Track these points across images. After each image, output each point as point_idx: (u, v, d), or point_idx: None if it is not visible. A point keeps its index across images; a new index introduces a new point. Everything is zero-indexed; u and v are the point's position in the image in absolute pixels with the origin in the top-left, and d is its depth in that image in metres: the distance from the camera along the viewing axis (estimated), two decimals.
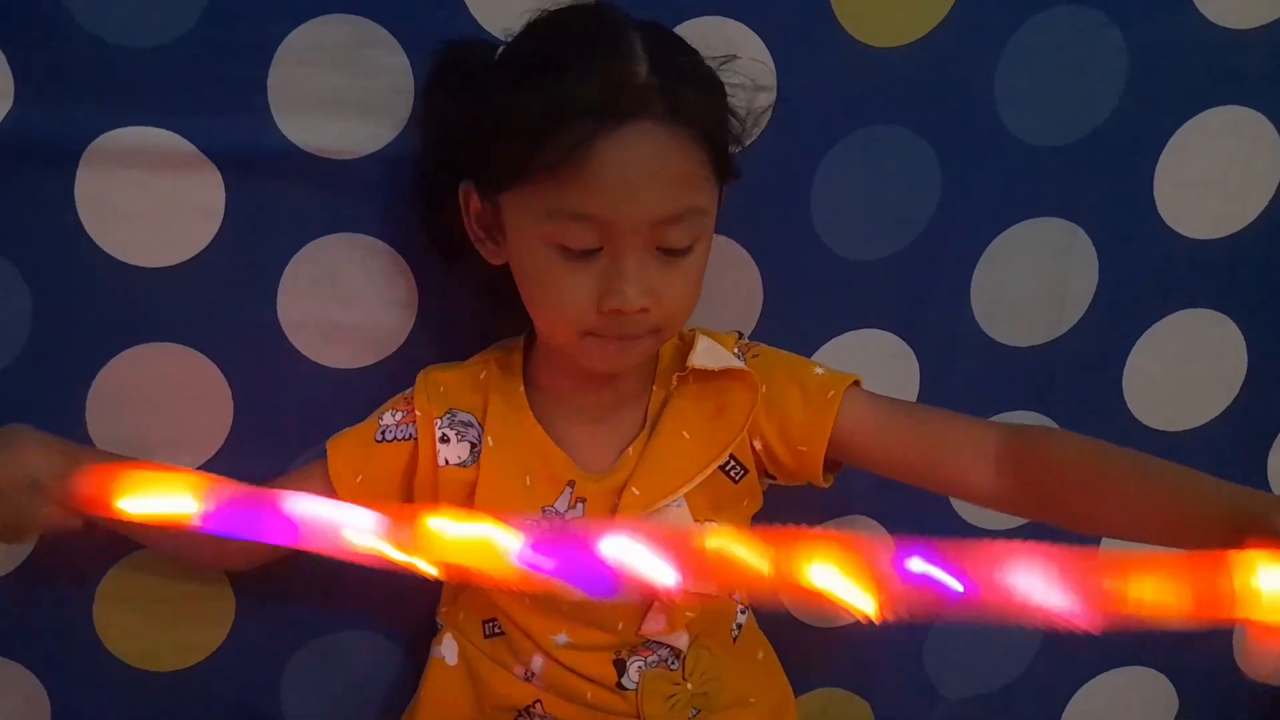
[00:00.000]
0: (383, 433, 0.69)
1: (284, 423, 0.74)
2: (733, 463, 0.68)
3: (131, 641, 0.76)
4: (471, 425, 0.68)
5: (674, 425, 0.67)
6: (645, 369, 0.69)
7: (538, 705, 0.69)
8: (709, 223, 0.63)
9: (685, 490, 0.66)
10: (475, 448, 0.67)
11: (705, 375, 0.67)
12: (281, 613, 0.77)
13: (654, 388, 0.69)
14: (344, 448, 0.69)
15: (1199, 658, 0.90)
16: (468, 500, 0.67)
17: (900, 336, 0.80)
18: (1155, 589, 0.41)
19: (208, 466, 0.73)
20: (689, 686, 0.69)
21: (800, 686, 0.79)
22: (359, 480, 0.68)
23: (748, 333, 0.78)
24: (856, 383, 0.68)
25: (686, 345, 0.70)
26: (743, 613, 0.74)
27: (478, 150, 0.62)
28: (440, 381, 0.70)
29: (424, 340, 0.74)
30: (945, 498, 0.81)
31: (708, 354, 0.68)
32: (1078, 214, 0.79)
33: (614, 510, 0.65)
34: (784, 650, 0.77)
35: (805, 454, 0.67)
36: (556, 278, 0.61)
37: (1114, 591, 0.41)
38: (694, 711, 0.70)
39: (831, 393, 0.67)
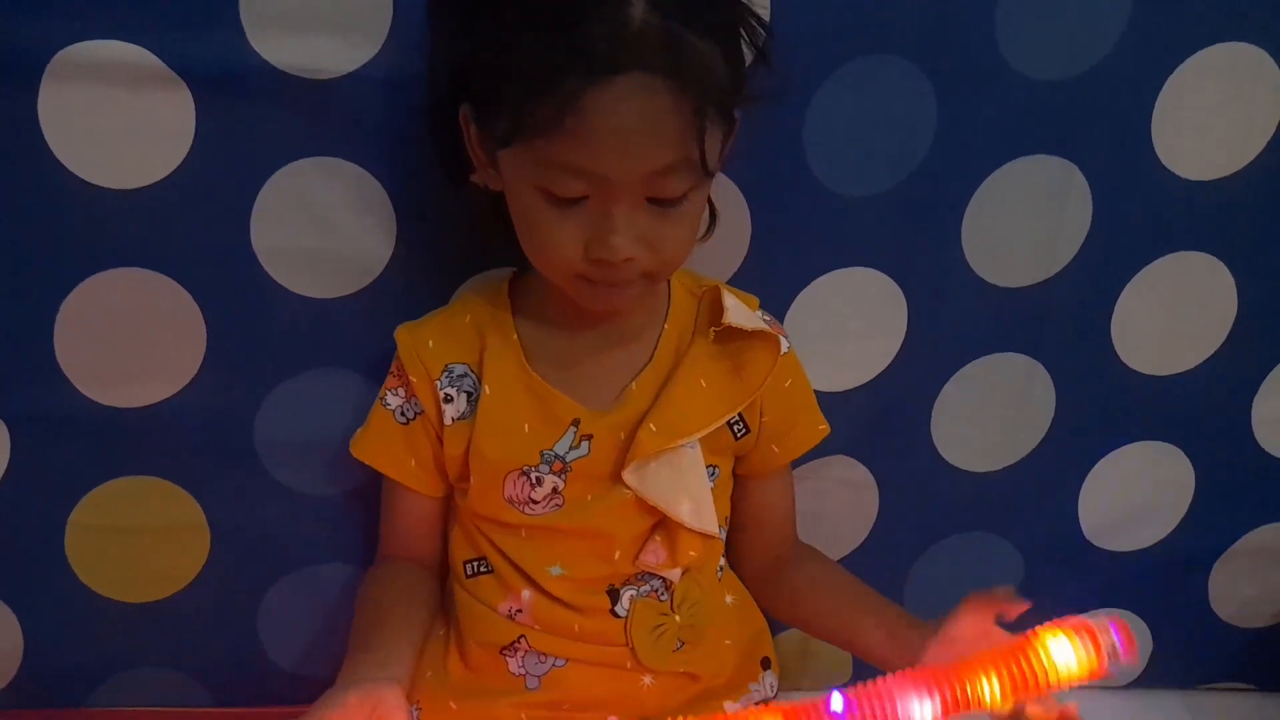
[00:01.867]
0: (400, 413, 0.69)
1: (259, 353, 0.73)
2: (739, 420, 0.70)
3: (104, 571, 0.76)
4: (468, 375, 0.68)
5: (692, 372, 0.68)
6: (654, 305, 0.70)
7: (522, 640, 0.69)
8: (706, 173, 0.61)
9: (702, 433, 0.67)
10: (473, 396, 0.67)
11: (726, 336, 0.68)
12: (258, 544, 0.77)
13: (665, 326, 0.69)
14: (376, 447, 0.70)
15: (1176, 599, 0.90)
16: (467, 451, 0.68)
17: (890, 275, 0.78)
18: (989, 682, 0.54)
19: (180, 396, 0.73)
20: (677, 618, 0.70)
21: (776, 625, 0.79)
22: (414, 464, 0.70)
23: (733, 270, 0.77)
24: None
25: (700, 289, 0.70)
26: (724, 557, 0.75)
27: (474, 75, 0.61)
28: (426, 336, 0.68)
29: (403, 270, 0.72)
30: (929, 439, 0.83)
31: (739, 313, 0.68)
32: (1075, 152, 0.77)
33: (624, 446, 0.65)
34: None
35: (767, 454, 0.73)
36: (544, 223, 0.60)
37: (970, 693, 0.53)
38: (679, 644, 0.70)
39: (821, 427, 0.75)
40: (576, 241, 0.60)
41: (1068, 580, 0.88)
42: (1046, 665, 0.55)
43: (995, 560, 0.87)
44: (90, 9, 0.63)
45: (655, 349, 0.69)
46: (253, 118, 0.67)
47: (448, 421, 0.68)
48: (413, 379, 0.68)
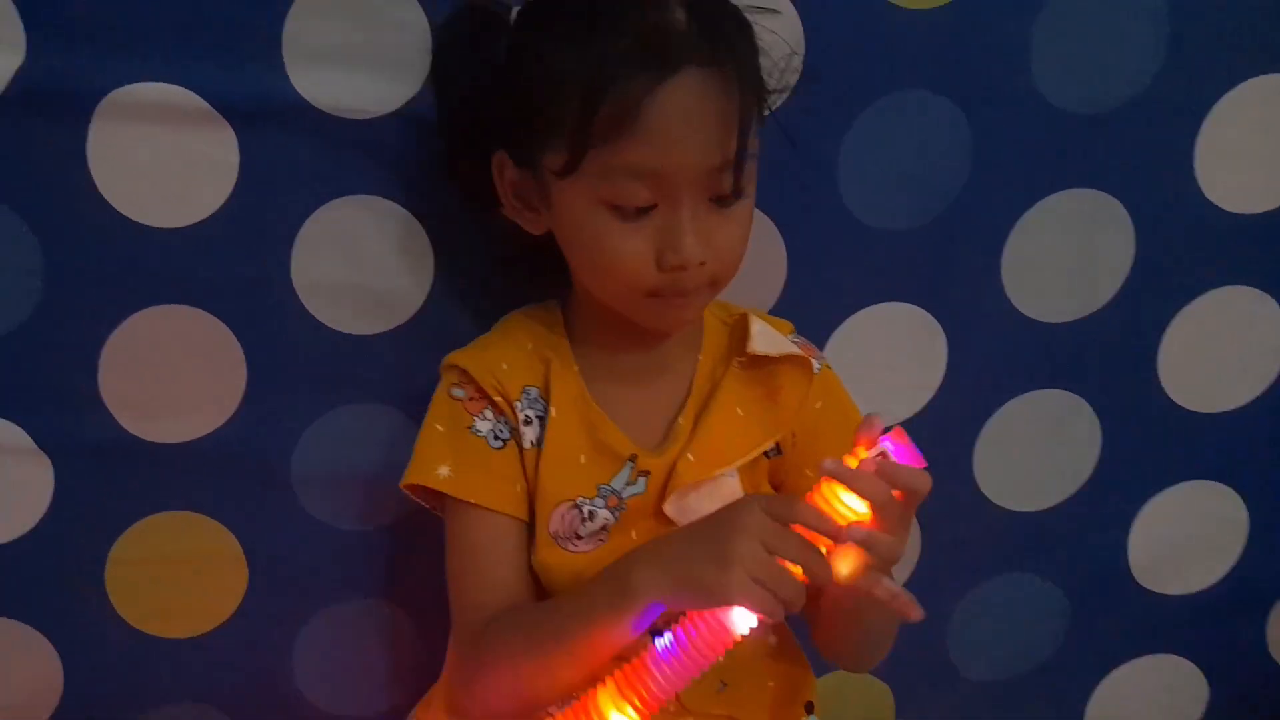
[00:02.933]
0: (494, 437, 0.65)
1: (298, 388, 0.73)
2: (776, 445, 0.68)
3: (143, 606, 0.75)
4: (539, 401, 0.65)
5: (728, 401, 0.66)
6: (689, 333, 0.68)
7: None
8: (754, 167, 0.62)
9: (741, 462, 0.66)
10: (543, 422, 0.65)
11: (756, 363, 0.67)
12: (294, 580, 0.76)
13: (699, 356, 0.68)
14: (476, 482, 0.64)
15: (1231, 645, 0.88)
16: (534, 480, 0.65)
17: (928, 310, 0.78)
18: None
19: (220, 431, 0.72)
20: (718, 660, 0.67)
21: (819, 666, 0.76)
22: (519, 491, 0.64)
23: (770, 305, 0.76)
24: None
25: (732, 319, 0.69)
26: None
27: (511, 119, 0.61)
28: (497, 359, 0.66)
29: (441, 306, 0.72)
30: (971, 476, 0.81)
31: (765, 338, 0.67)
32: (1114, 185, 0.76)
33: (668, 477, 0.64)
34: (802, 630, 0.74)
35: (799, 481, 0.68)
36: (613, 240, 0.59)
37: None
38: (721, 685, 0.68)
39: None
40: (647, 255, 0.59)
41: (1116, 625, 0.87)
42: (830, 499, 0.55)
43: (1040, 603, 0.85)
44: (137, 49, 0.64)
45: (692, 380, 0.68)
46: (294, 156, 0.68)
47: (525, 445, 0.64)
48: (496, 399, 0.64)
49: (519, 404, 0.65)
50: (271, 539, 0.75)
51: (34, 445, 0.71)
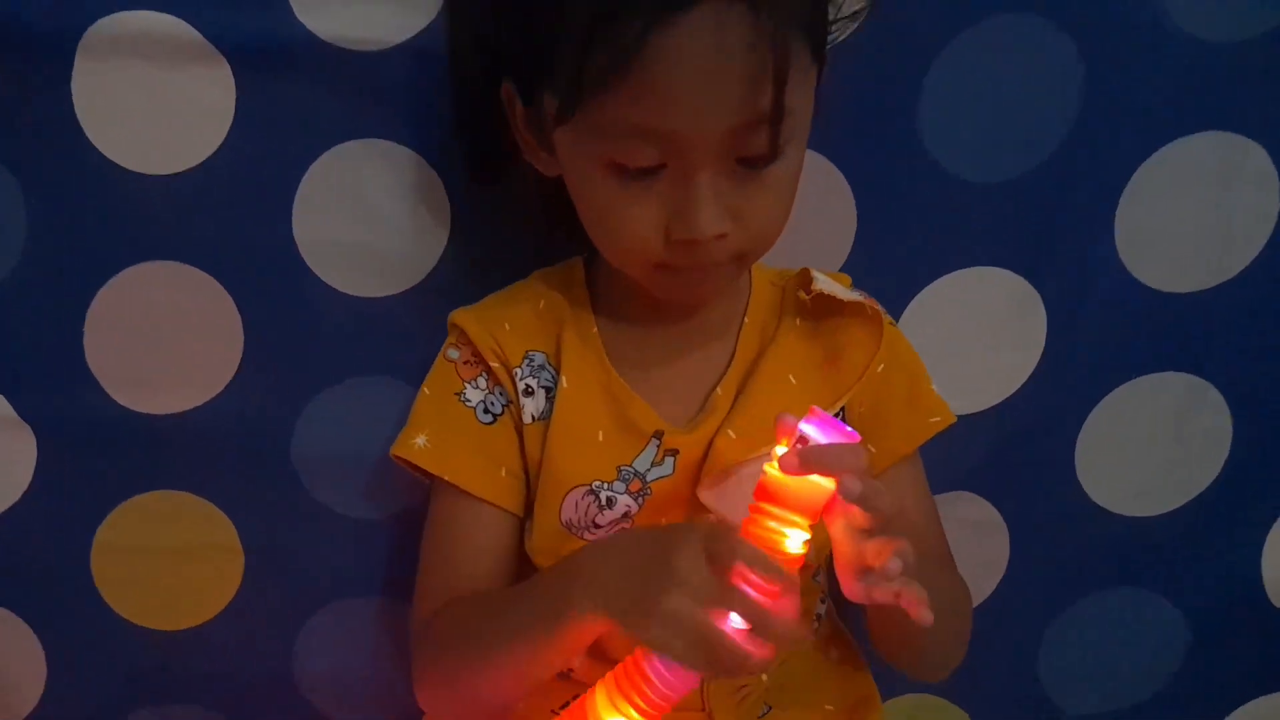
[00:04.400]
0: (484, 409, 0.60)
1: (300, 356, 0.68)
2: (841, 414, 0.61)
3: (131, 594, 0.72)
4: (546, 368, 0.60)
5: (778, 368, 0.60)
6: (734, 297, 0.62)
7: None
8: (801, 123, 0.53)
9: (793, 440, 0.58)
10: (550, 393, 0.59)
11: (818, 312, 0.60)
12: (295, 571, 0.72)
13: (745, 319, 0.62)
14: (457, 457, 0.59)
15: None
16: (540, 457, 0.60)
17: (1024, 276, 0.70)
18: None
19: (215, 403, 0.68)
20: (764, 678, 0.61)
21: (887, 689, 0.71)
22: (504, 474, 0.60)
23: (836, 269, 0.69)
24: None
25: (784, 280, 0.63)
26: (823, 601, 0.66)
27: (515, 49, 0.55)
28: (500, 319, 0.61)
29: (460, 265, 0.67)
30: (1073, 475, 0.74)
31: (831, 284, 0.60)
32: (1255, 128, 0.67)
33: (704, 459, 0.58)
34: (870, 647, 0.68)
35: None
36: (616, 205, 0.53)
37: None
38: (765, 709, 0.62)
39: (935, 419, 0.63)
40: (655, 223, 0.52)
41: (1245, 652, 0.79)
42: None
43: (1152, 623, 0.77)
44: None
45: (735, 345, 0.61)
46: (297, 96, 0.63)
47: (526, 419, 0.59)
48: (493, 365, 0.60)
49: (518, 371, 0.60)
50: (270, 525, 0.70)
51: (15, 415, 0.68)
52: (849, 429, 0.49)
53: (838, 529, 0.49)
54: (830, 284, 0.60)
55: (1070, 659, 0.77)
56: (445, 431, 0.60)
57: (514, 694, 0.56)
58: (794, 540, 0.48)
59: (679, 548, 0.47)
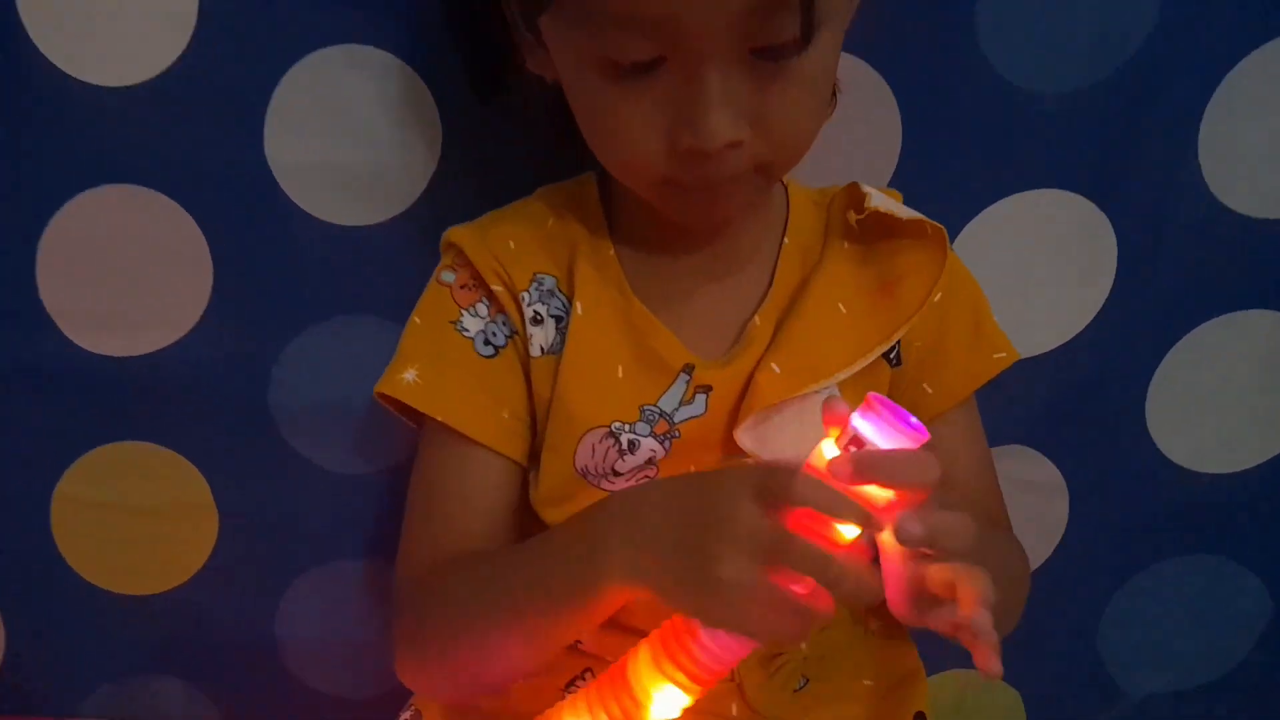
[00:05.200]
0: (485, 340, 0.54)
1: (276, 292, 0.64)
2: (897, 350, 0.56)
3: (95, 555, 0.68)
4: (556, 295, 0.54)
5: (825, 295, 0.54)
6: (769, 217, 0.56)
7: (588, 676, 0.55)
8: (834, 3, 0.46)
9: (845, 374, 0.53)
10: (562, 323, 0.53)
11: (871, 234, 0.54)
12: (275, 530, 0.68)
13: (785, 241, 0.56)
14: (452, 395, 0.53)
15: None
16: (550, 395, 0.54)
17: (1092, 200, 0.64)
18: None
19: (182, 344, 0.64)
20: (801, 648, 0.56)
21: (932, 664, 0.66)
22: (507, 416, 0.53)
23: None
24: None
25: (826, 198, 0.57)
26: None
27: None
28: (504, 236, 0.55)
29: (450, 190, 0.62)
30: (1143, 427, 0.69)
31: (885, 201, 0.54)
32: None
33: (743, 395, 0.53)
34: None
35: (917, 397, 0.56)
36: (611, 111, 0.47)
37: None
38: (803, 681, 0.56)
39: (1000, 354, 0.58)
40: (656, 129, 0.46)
41: None
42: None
43: (1231, 595, 0.72)
44: None
45: (774, 272, 0.55)
46: None
47: (534, 352, 0.53)
48: (495, 289, 0.53)
49: (526, 296, 0.53)
50: (247, 481, 0.67)
51: None
52: (914, 421, 0.41)
53: (889, 540, 0.41)
54: (886, 201, 0.54)
55: (1134, 634, 0.73)
56: (438, 365, 0.54)
57: (517, 670, 0.50)
58: (847, 530, 0.41)
59: (730, 497, 0.41)
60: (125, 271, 0.62)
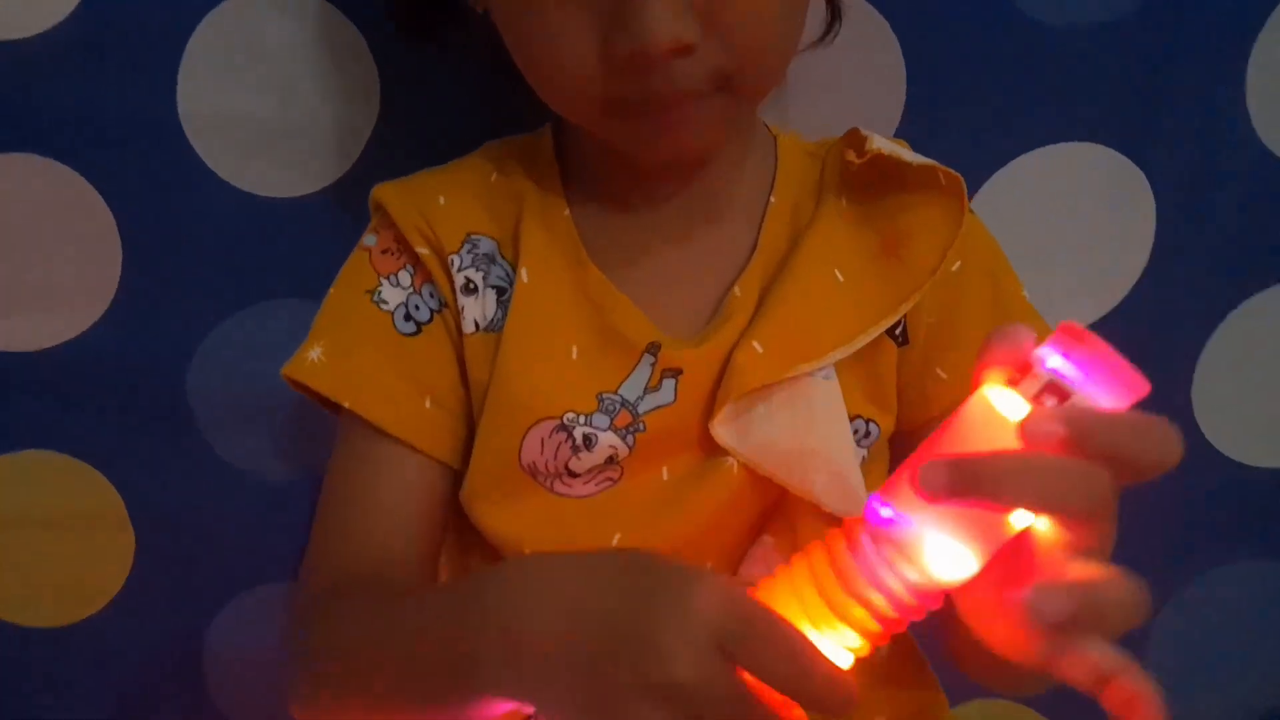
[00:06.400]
0: (405, 315, 0.47)
1: (195, 275, 0.59)
2: (903, 325, 0.49)
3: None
4: (496, 262, 0.48)
5: (818, 260, 0.47)
6: (754, 169, 0.50)
7: None
8: None
9: (839, 354, 0.46)
10: (504, 295, 0.47)
11: (873, 188, 0.48)
12: (200, 549, 0.63)
13: (771, 199, 0.49)
14: (361, 377, 0.46)
15: None
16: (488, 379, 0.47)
17: (1126, 154, 0.59)
18: None
19: (86, 336, 0.59)
20: None
21: (955, 694, 0.59)
22: (429, 405, 0.47)
23: None
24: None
25: (822, 149, 0.51)
26: None
27: None
28: (434, 191, 0.49)
29: (389, 154, 0.57)
30: (1189, 413, 0.64)
31: (891, 145, 0.48)
32: None
33: (720, 380, 0.46)
34: (935, 645, 0.57)
35: (927, 385, 0.49)
36: (539, 24, 0.42)
37: None
38: None
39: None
40: (590, 36, 0.40)
41: None
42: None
43: None
44: None
45: (759, 234, 0.48)
46: None
47: (468, 328, 0.47)
48: (420, 252, 0.47)
49: (456, 260, 0.47)
50: (165, 492, 0.62)
51: None
52: (1130, 368, 0.30)
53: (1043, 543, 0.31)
54: (891, 145, 0.47)
55: (1185, 654, 0.67)
56: (349, 343, 0.47)
57: None
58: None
59: (671, 621, 0.31)
60: (19, 254, 0.58)
